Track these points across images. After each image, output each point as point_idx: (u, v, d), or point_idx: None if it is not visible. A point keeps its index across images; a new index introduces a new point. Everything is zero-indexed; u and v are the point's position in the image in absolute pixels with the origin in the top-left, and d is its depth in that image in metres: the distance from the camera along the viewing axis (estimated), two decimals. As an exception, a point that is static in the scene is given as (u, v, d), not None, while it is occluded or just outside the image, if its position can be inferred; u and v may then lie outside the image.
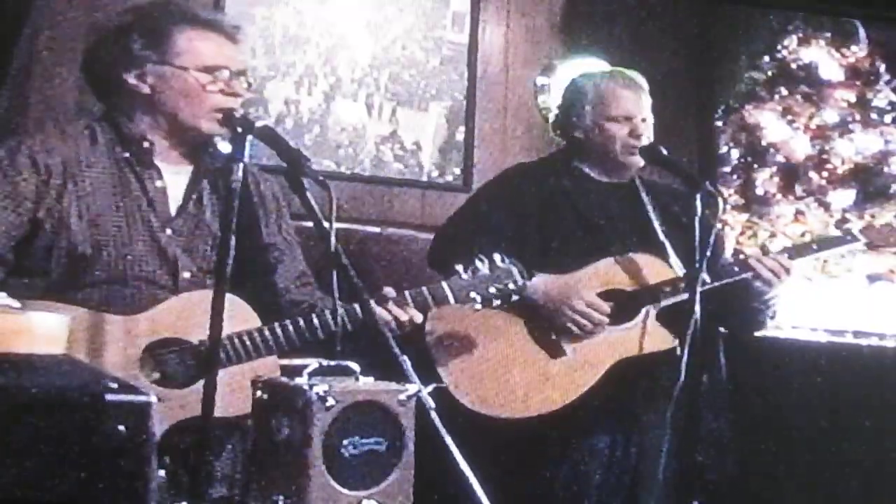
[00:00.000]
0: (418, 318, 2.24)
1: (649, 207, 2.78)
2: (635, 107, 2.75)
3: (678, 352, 2.56)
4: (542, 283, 2.64)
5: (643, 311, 2.67)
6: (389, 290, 2.24)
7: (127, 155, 2.17)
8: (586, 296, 2.64)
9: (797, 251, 2.74)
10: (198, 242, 2.20)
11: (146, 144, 2.17)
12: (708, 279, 2.55)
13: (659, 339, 2.64)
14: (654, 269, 2.71)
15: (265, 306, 2.20)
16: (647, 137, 2.76)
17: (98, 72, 2.21)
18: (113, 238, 2.12)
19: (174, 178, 2.20)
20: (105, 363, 2.01)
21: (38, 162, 2.10)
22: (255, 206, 2.27)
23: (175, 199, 2.19)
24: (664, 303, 2.66)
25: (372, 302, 2.10)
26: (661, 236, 2.75)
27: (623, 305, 2.68)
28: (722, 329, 2.96)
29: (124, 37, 2.17)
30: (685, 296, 2.59)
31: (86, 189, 2.12)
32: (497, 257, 2.30)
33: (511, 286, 2.30)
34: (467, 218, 2.86)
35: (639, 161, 2.77)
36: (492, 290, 2.28)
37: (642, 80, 2.82)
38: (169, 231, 2.16)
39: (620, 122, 2.75)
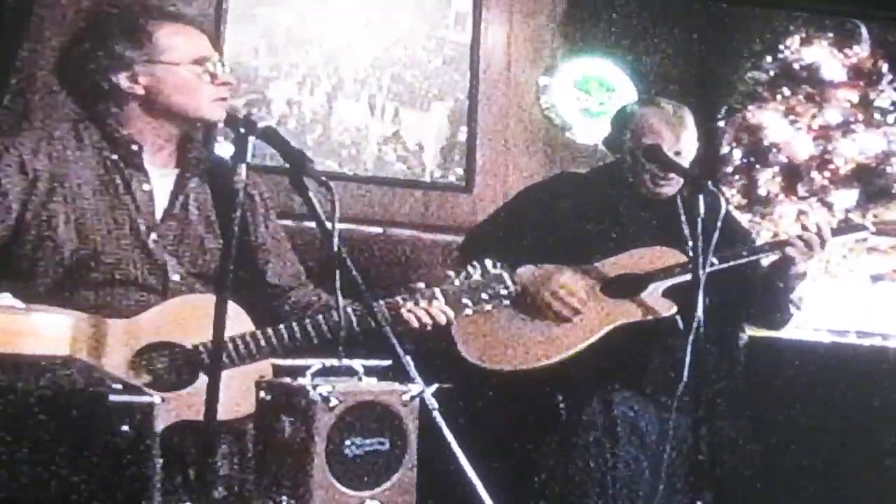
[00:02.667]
0: (441, 319, 2.25)
1: (683, 219, 2.83)
2: (669, 141, 2.82)
3: (679, 322, 2.65)
4: (527, 272, 2.76)
5: (650, 286, 2.74)
6: (420, 285, 2.26)
7: (115, 157, 2.16)
8: (562, 278, 2.75)
9: None
10: (185, 245, 2.19)
11: (134, 147, 2.16)
12: (715, 261, 2.61)
13: (660, 306, 2.72)
14: (667, 257, 2.78)
15: (259, 307, 2.21)
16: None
17: (81, 76, 2.17)
18: (101, 242, 2.11)
19: (161, 180, 2.20)
20: (96, 365, 1.99)
21: (26, 165, 2.09)
22: (244, 206, 2.27)
23: (161, 201, 2.19)
24: (672, 281, 2.73)
25: (400, 300, 2.17)
26: (688, 242, 2.80)
27: (631, 283, 2.77)
28: (747, 329, 3.01)
29: (106, 39, 2.15)
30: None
31: (73, 192, 2.11)
32: (489, 263, 2.32)
33: (502, 291, 2.32)
34: (502, 219, 2.99)
35: (668, 192, 2.85)
36: (483, 295, 2.30)
37: (687, 116, 2.90)
38: (155, 235, 2.16)
39: None
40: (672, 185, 2.83)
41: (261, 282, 2.29)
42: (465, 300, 2.29)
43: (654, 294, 2.74)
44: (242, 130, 2.01)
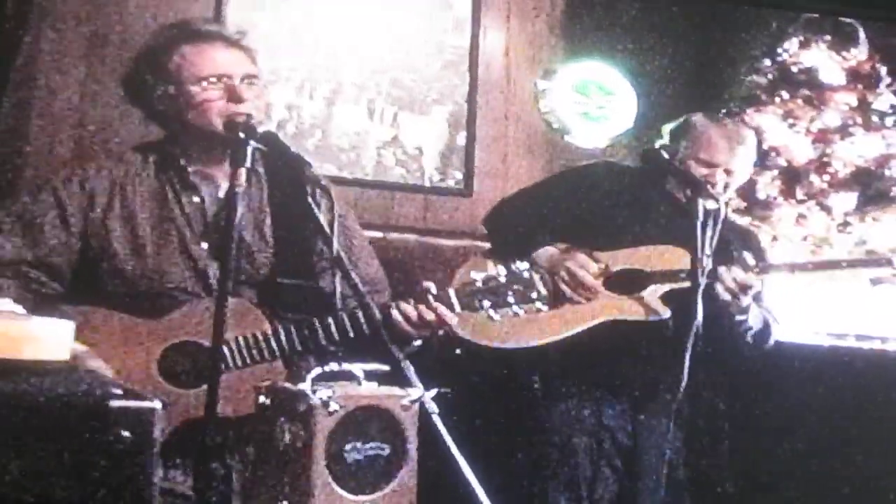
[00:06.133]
0: (430, 317, 2.18)
1: (708, 232, 2.83)
2: (723, 157, 2.85)
3: (669, 327, 2.66)
4: (546, 251, 2.81)
5: (650, 287, 2.75)
6: (430, 285, 2.22)
7: (170, 173, 2.27)
8: (578, 258, 2.77)
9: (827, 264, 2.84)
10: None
11: (182, 162, 2.25)
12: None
13: (653, 308, 2.73)
14: (675, 260, 2.78)
15: (315, 311, 2.21)
16: (722, 190, 2.86)
17: (138, 100, 2.31)
18: (151, 254, 2.20)
19: (210, 191, 2.27)
20: (124, 363, 2.08)
21: (86, 184, 2.24)
22: (312, 213, 2.26)
23: (211, 212, 2.25)
24: (674, 286, 2.73)
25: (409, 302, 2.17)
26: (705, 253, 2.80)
27: (633, 281, 2.78)
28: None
29: (140, 66, 2.28)
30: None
31: (129, 208, 2.23)
32: (516, 265, 2.21)
33: (532, 294, 2.20)
34: (534, 196, 3.02)
35: (708, 204, 2.83)
36: (509, 298, 2.19)
37: (749, 138, 2.93)
38: (205, 244, 2.22)
39: (701, 166, 2.85)
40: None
41: (319, 287, 2.29)
42: (485, 302, 2.19)
43: (652, 295, 2.75)
44: (242, 135, 2.02)
